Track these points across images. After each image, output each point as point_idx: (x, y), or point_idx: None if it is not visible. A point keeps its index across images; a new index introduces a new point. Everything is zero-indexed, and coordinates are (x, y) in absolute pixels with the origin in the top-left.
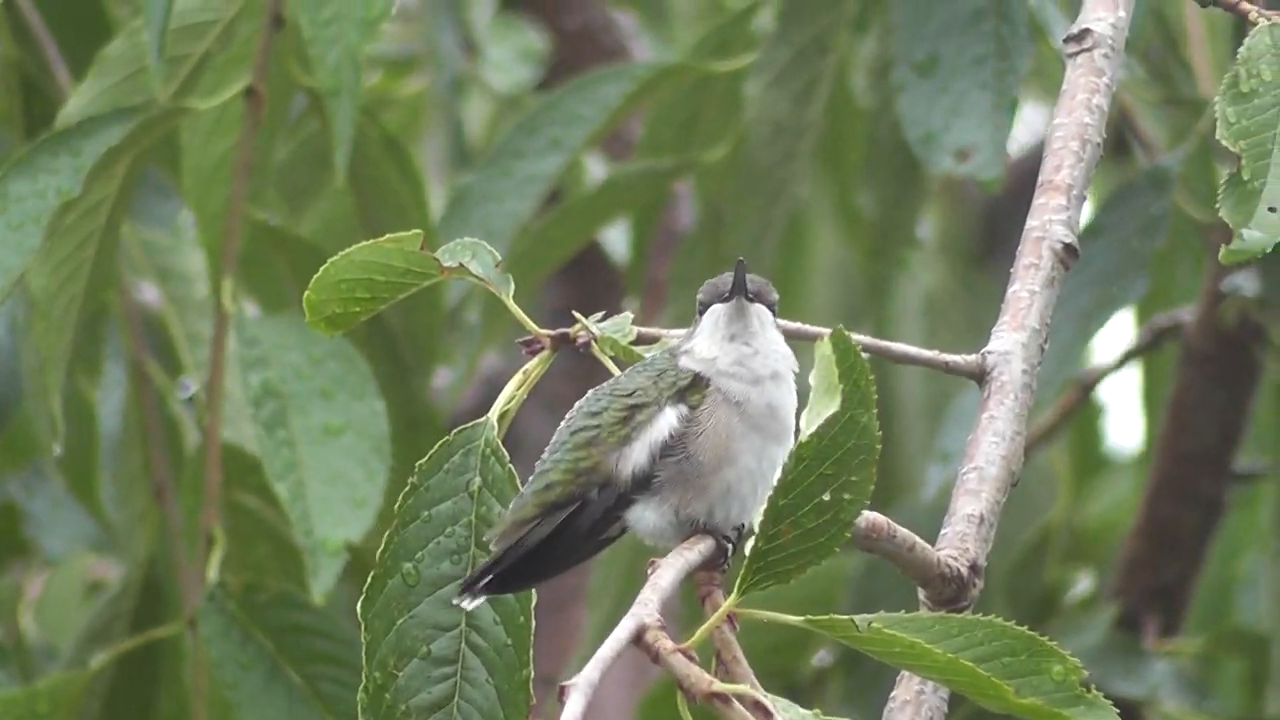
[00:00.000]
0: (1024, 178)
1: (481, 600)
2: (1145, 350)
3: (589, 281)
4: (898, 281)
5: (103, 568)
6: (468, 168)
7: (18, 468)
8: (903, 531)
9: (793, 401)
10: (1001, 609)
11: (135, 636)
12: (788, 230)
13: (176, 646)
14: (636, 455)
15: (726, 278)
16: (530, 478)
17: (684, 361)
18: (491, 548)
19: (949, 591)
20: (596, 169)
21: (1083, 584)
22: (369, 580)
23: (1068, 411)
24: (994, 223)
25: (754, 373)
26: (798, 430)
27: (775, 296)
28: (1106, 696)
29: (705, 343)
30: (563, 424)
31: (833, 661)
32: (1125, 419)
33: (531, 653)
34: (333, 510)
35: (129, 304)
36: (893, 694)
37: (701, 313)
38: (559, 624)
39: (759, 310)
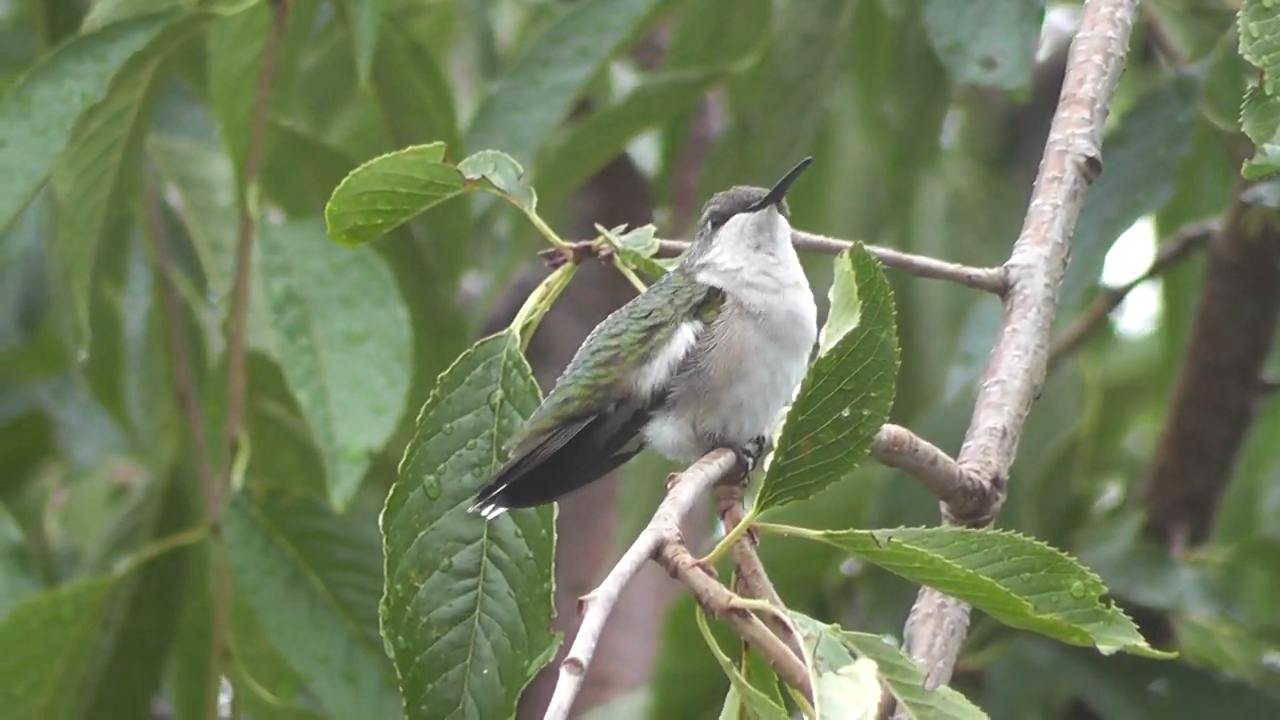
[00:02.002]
0: (1047, 84)
1: (501, 511)
2: (1173, 260)
3: (620, 191)
4: (921, 188)
5: (128, 472)
6: (496, 73)
7: (47, 375)
8: (924, 445)
9: (813, 311)
10: (1029, 519)
11: (159, 543)
12: (815, 139)
13: (200, 553)
14: (655, 372)
15: (745, 189)
16: (550, 392)
17: (703, 276)
18: (510, 456)
19: (971, 505)
20: (626, 78)
21: (1110, 494)
22: (390, 492)
23: (1095, 321)
24: (1017, 128)
25: (778, 281)
26: (817, 344)
27: (788, 210)
28: (1133, 605)
29: (729, 253)
30: (583, 345)
31: (860, 570)
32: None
33: (553, 566)
34: (354, 417)
35: (154, 212)
36: (914, 607)
37: (717, 223)
38: (589, 532)
39: (782, 221)
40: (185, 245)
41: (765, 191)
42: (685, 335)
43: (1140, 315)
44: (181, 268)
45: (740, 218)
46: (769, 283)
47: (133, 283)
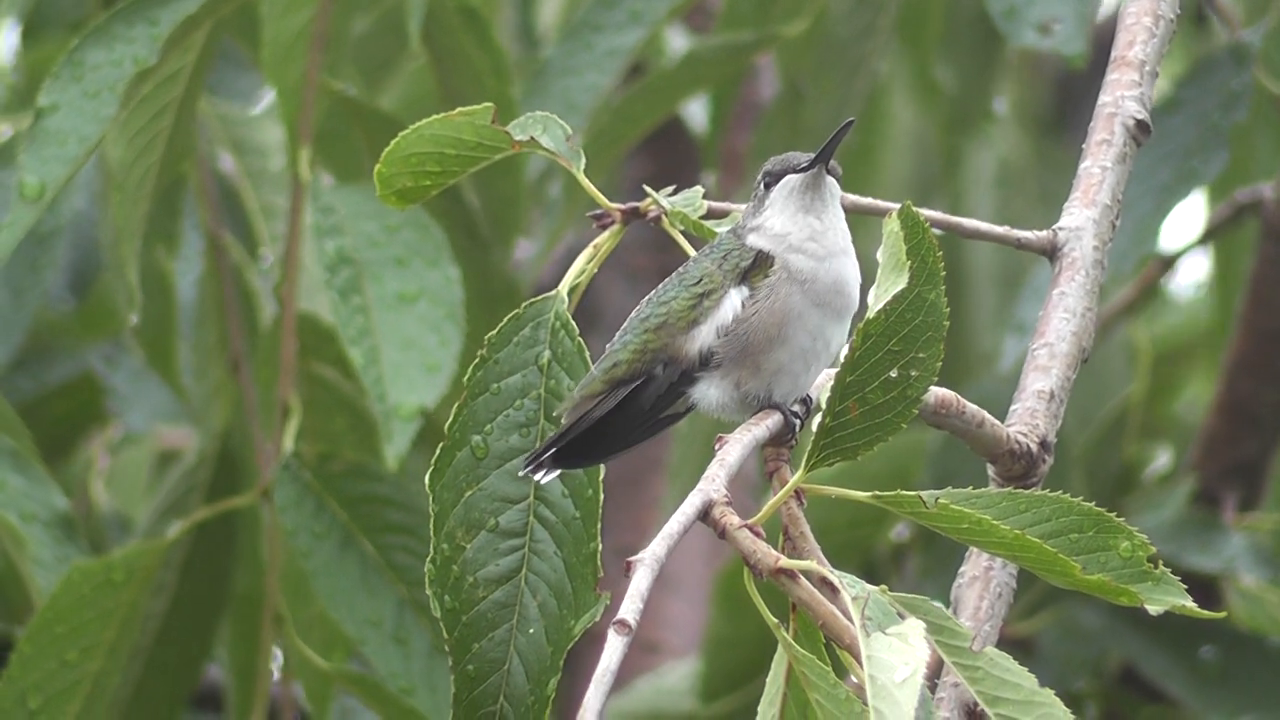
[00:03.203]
0: (1097, 48)
1: (555, 474)
2: (1226, 226)
3: (670, 155)
4: (972, 154)
5: (174, 438)
6: (532, 45)
7: (98, 340)
8: (972, 407)
9: (857, 277)
10: (1079, 485)
11: (211, 507)
12: (866, 104)
13: (252, 518)
14: (704, 336)
15: (797, 153)
16: (599, 358)
17: (752, 239)
18: (561, 421)
19: (1018, 468)
20: (678, 41)
21: (1162, 459)
22: (437, 452)
23: (1147, 286)
24: (1068, 93)
25: (825, 248)
26: (864, 307)
27: (840, 172)
28: (1182, 570)
29: (778, 216)
30: (634, 312)
31: (910, 537)
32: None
33: (600, 526)
34: (406, 376)
35: (206, 177)
36: (960, 570)
37: (769, 185)
38: (636, 497)
39: (831, 184)
40: (238, 211)
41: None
42: (733, 300)
43: (1192, 280)
44: (234, 233)
45: (790, 179)
46: (816, 249)
47: (185, 248)
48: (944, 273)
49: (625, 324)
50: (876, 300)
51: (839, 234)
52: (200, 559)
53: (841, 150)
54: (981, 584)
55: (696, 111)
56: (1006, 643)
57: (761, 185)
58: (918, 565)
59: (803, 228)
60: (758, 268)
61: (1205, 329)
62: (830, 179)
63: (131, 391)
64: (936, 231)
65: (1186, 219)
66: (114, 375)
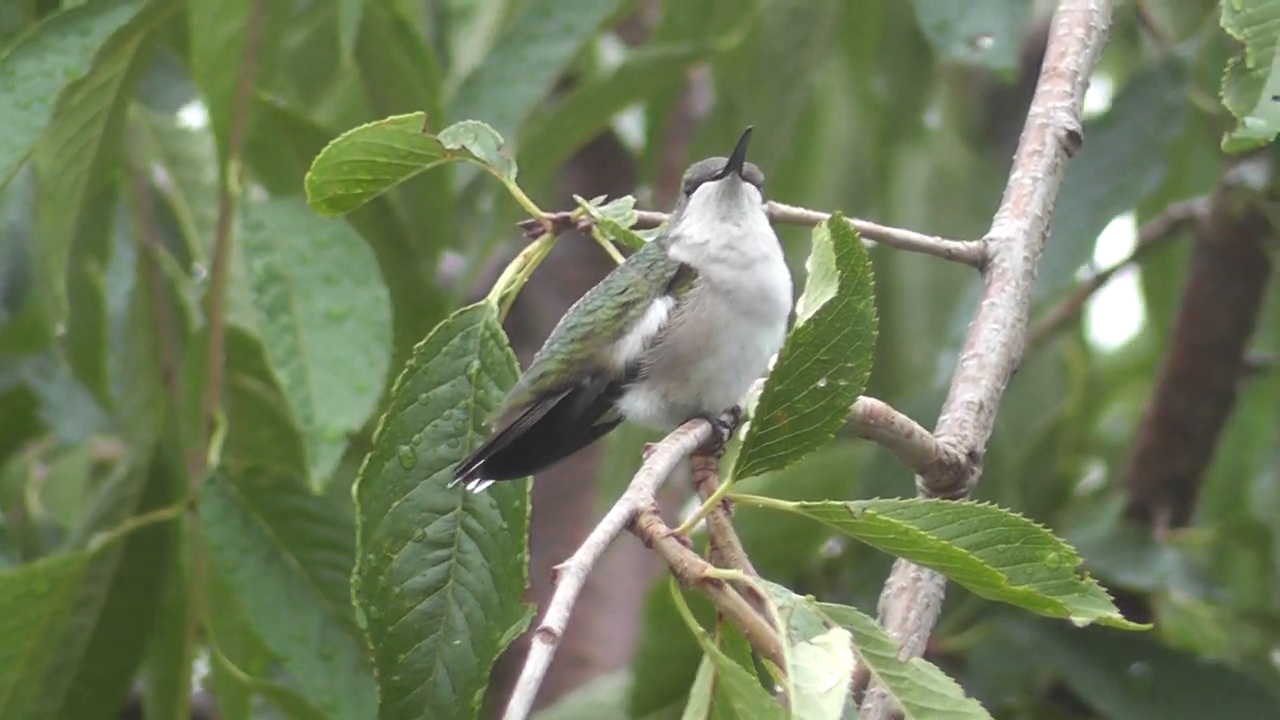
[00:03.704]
0: (1028, 60)
1: (486, 485)
2: (1159, 242)
3: (606, 168)
4: (904, 165)
5: (109, 449)
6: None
7: (32, 352)
8: (900, 418)
9: (785, 281)
10: (1012, 499)
11: (138, 520)
12: (800, 115)
13: (181, 530)
14: (629, 346)
15: (716, 159)
16: (528, 369)
17: (673, 251)
18: (489, 431)
19: (947, 479)
20: (612, 54)
21: (1094, 475)
22: (365, 462)
23: (1080, 301)
24: (1000, 105)
25: (745, 256)
26: (794, 314)
27: (762, 178)
28: (1114, 586)
29: (695, 225)
30: (561, 321)
31: (842, 551)
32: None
33: (527, 537)
34: (334, 397)
35: (139, 188)
36: (888, 580)
37: (689, 192)
38: (568, 512)
39: (749, 190)
40: (171, 223)
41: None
42: (658, 311)
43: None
44: (168, 246)
45: (706, 186)
46: (736, 257)
47: (117, 260)
48: (873, 282)
49: (553, 333)
50: (805, 310)
51: (760, 239)
52: (130, 572)
53: (773, 160)
54: (909, 595)
55: (631, 126)
56: (937, 657)
57: (684, 194)
58: (850, 580)
59: (720, 235)
60: (682, 278)
61: (1138, 346)
62: (749, 185)
63: (65, 403)
64: (868, 242)
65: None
66: (47, 387)
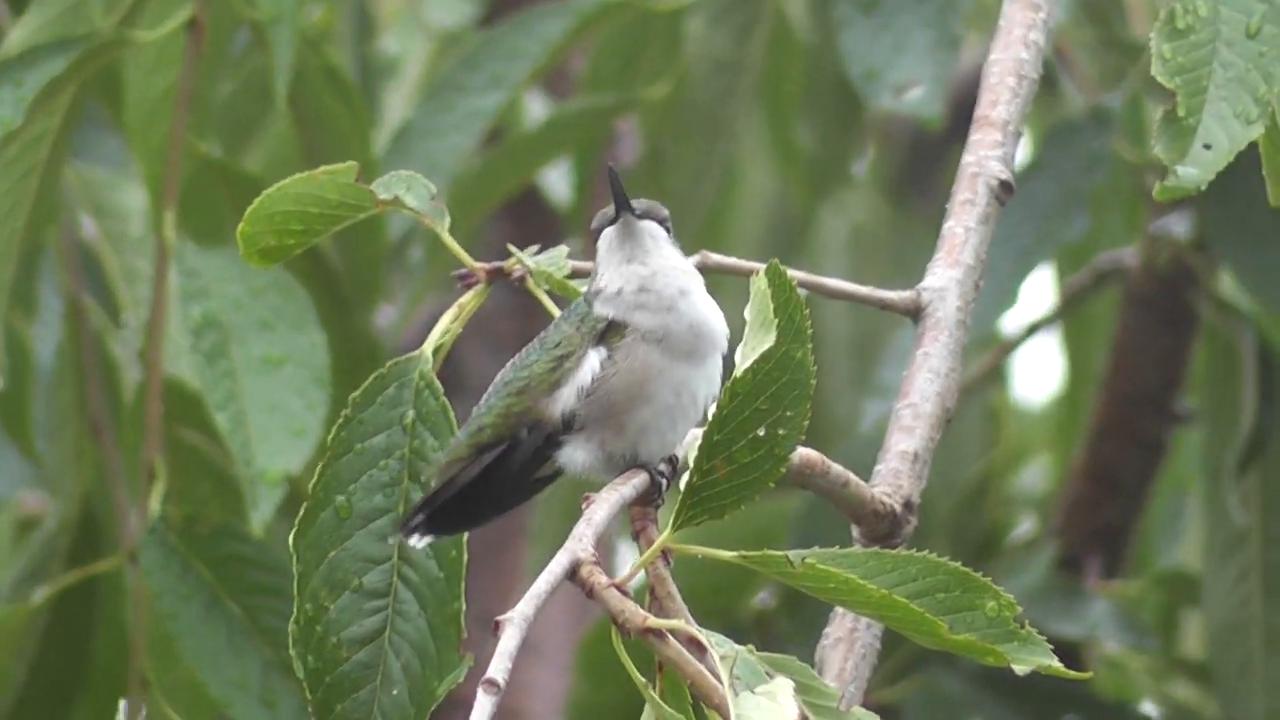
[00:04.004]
0: (947, 112)
1: (427, 540)
2: (1085, 293)
3: (533, 220)
4: (825, 217)
5: (37, 503)
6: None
7: None
8: (836, 468)
9: (713, 311)
10: (943, 549)
11: (74, 572)
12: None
13: (114, 583)
14: (565, 398)
15: (607, 210)
16: (465, 423)
17: (598, 307)
18: (428, 484)
19: (883, 528)
20: (537, 108)
21: (1025, 526)
22: (301, 512)
23: (1006, 353)
24: (920, 156)
25: (661, 297)
26: (732, 353)
27: (665, 213)
28: (1046, 636)
29: (607, 273)
30: (498, 376)
31: (774, 603)
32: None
33: (464, 586)
34: (272, 441)
35: (67, 240)
36: (825, 631)
37: (595, 243)
38: (503, 562)
39: (649, 227)
40: (98, 275)
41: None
42: (592, 362)
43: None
44: (95, 297)
45: (606, 232)
46: (654, 301)
47: (44, 312)
48: (811, 331)
49: (490, 388)
50: (743, 359)
51: (671, 274)
52: (60, 626)
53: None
54: (846, 645)
55: (556, 180)
56: (871, 708)
57: (595, 243)
58: (782, 631)
59: (630, 279)
60: (613, 331)
61: (1056, 399)
62: (648, 223)
63: None
64: (800, 291)
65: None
66: None
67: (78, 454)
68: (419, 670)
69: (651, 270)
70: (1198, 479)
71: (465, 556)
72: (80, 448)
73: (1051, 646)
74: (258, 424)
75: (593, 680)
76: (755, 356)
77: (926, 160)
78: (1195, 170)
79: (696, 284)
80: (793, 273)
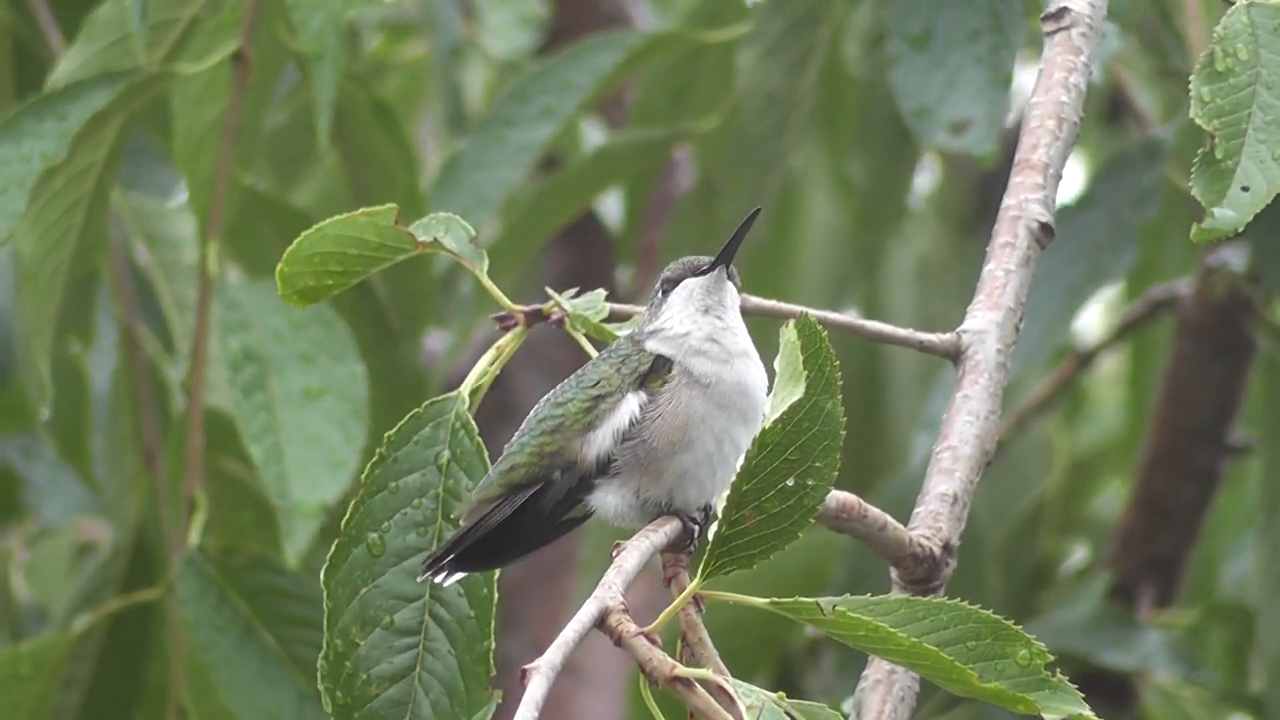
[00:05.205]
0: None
1: (457, 577)
2: (1141, 322)
3: (589, 248)
4: (890, 250)
5: (94, 530)
6: (464, 132)
7: (16, 433)
8: (874, 511)
9: (763, 379)
10: (995, 580)
11: (121, 600)
12: (781, 200)
13: (163, 612)
14: (600, 441)
15: (696, 258)
16: (498, 460)
17: (651, 344)
18: (459, 524)
19: (921, 571)
20: (595, 136)
21: (1078, 554)
22: (333, 548)
23: (1063, 383)
24: (988, 189)
25: (725, 349)
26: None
27: (738, 276)
28: (1098, 668)
29: (678, 317)
30: (530, 414)
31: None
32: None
33: (493, 625)
34: (309, 472)
35: (121, 270)
36: (864, 673)
37: (666, 290)
38: (551, 592)
39: (730, 288)
40: (153, 303)
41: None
42: (630, 405)
43: (1109, 378)
44: (149, 326)
45: (689, 282)
46: (717, 351)
47: (100, 340)
48: (841, 381)
49: (523, 424)
50: (773, 410)
51: (740, 335)
52: (114, 652)
53: (755, 247)
54: (885, 687)
55: (612, 206)
56: None
57: (660, 292)
58: (833, 660)
59: (702, 327)
60: (655, 373)
61: (1123, 427)
62: (730, 283)
63: (49, 484)
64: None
65: (1103, 316)
66: (31, 468)
67: (133, 482)
68: (448, 708)
69: (725, 325)
70: (1256, 511)
71: (495, 595)
72: (136, 475)
73: (1103, 678)
74: (295, 456)
75: (645, 712)
76: (785, 408)
77: (997, 189)
78: (1232, 212)
79: (754, 353)
80: (830, 316)
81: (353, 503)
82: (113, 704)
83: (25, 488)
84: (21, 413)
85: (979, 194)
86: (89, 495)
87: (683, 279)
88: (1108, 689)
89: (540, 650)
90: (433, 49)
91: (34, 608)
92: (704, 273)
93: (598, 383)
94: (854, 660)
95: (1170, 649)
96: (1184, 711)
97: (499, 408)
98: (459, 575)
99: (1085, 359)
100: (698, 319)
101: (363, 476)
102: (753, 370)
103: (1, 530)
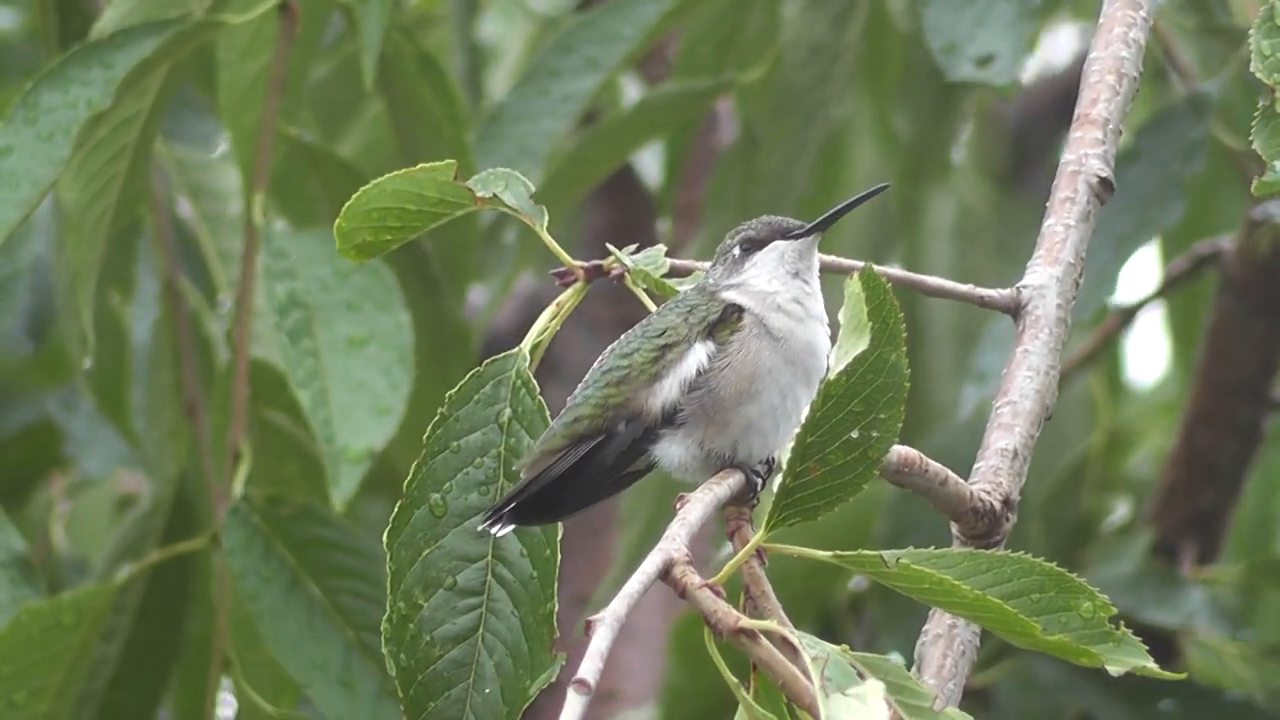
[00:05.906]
0: (1054, 102)
1: (510, 528)
2: (1184, 278)
3: (628, 202)
4: (931, 204)
5: (133, 483)
6: (478, 95)
7: (56, 386)
8: (935, 466)
9: (829, 348)
10: (1037, 536)
11: (163, 551)
12: (823, 152)
13: (205, 562)
14: (666, 391)
15: (780, 219)
16: (561, 412)
17: (728, 295)
18: (521, 476)
19: (981, 526)
20: (633, 91)
21: (1120, 511)
22: (395, 510)
23: (1107, 338)
24: (1025, 145)
25: (806, 310)
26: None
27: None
28: (1140, 624)
29: (766, 275)
30: (595, 364)
31: (868, 588)
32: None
33: (556, 585)
34: (355, 418)
35: (163, 221)
36: (925, 628)
37: (748, 249)
38: (596, 547)
39: (818, 256)
40: (195, 256)
41: (801, 223)
42: (698, 355)
43: (1150, 333)
44: (191, 278)
45: (781, 244)
46: (798, 310)
47: (141, 293)
48: (905, 334)
49: (587, 376)
50: (838, 361)
51: (820, 302)
52: (154, 604)
53: (797, 199)
54: (945, 641)
55: (650, 162)
56: (964, 694)
57: (738, 249)
58: (876, 616)
59: (790, 288)
60: (725, 322)
61: (1165, 383)
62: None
63: (89, 436)
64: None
65: (1144, 273)
66: (71, 420)
67: (173, 434)
68: (512, 669)
69: (811, 291)
70: None
71: (559, 556)
72: (176, 428)
73: (1145, 635)
74: (340, 402)
75: (685, 664)
76: (849, 360)
77: (1033, 145)
78: None
79: (826, 319)
80: (890, 272)
81: (415, 463)
82: (152, 655)
83: (65, 440)
84: (61, 366)
85: (1015, 149)
86: (129, 448)
87: (769, 240)
88: (1151, 646)
89: (585, 606)
90: (452, 4)
91: (74, 559)
92: (797, 237)
93: (664, 332)
94: (896, 618)
95: (1213, 605)
96: (1227, 667)
97: (541, 364)
98: (512, 527)
99: (1128, 315)
100: (787, 280)
101: (424, 437)
102: (823, 335)
103: (42, 482)
